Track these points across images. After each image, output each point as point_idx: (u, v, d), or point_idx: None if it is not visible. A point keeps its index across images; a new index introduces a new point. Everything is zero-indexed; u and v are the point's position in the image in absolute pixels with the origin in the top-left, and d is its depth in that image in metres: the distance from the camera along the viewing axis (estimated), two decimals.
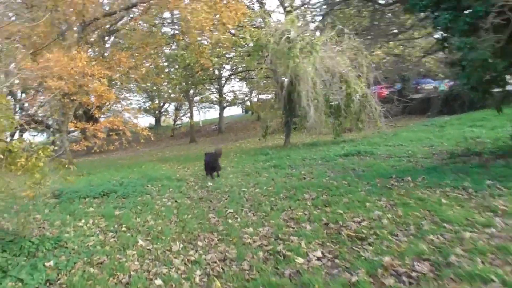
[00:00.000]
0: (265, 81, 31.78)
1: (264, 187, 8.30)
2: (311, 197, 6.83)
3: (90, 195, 8.42)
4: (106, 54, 14.05)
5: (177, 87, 29.01)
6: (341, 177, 8.36)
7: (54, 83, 11.89)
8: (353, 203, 6.01)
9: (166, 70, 26.54)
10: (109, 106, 13.46)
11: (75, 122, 12.58)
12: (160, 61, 14.99)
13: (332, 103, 15.53)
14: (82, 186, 10.01)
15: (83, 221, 6.52)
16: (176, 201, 7.79)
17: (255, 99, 39.49)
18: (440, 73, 25.20)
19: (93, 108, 12.59)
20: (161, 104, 41.57)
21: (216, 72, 31.51)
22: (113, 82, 20.05)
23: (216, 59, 17.64)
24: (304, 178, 9.07)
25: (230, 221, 5.92)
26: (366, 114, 15.46)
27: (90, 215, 6.90)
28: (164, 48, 27.04)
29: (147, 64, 14.41)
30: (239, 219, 5.97)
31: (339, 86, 14.91)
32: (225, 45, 15.99)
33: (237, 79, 36.13)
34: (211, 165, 10.64)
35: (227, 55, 21.91)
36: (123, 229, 5.87)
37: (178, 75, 23.44)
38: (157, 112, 39.11)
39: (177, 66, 24.68)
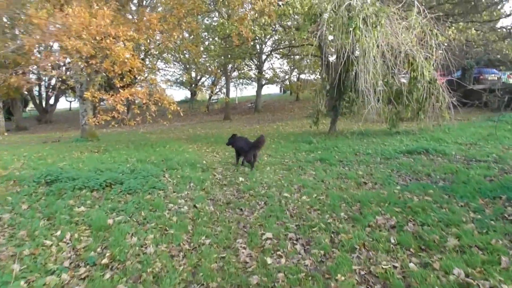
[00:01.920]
0: (309, 60, 29.14)
1: (313, 194, 6.02)
2: (388, 224, 4.51)
3: (89, 186, 6.43)
4: (129, 16, 11.91)
5: (215, 60, 26.86)
6: (419, 188, 5.97)
7: (70, 43, 9.91)
8: (471, 251, 3.64)
9: (206, 43, 24.39)
10: (139, 76, 11.34)
11: (92, 91, 10.62)
12: (198, 28, 12.64)
13: (392, 88, 12.85)
14: (88, 169, 8.09)
15: (58, 234, 4.47)
16: (194, 206, 5.65)
17: (295, 79, 36.79)
18: None
19: (115, 76, 10.55)
20: (198, 78, 39.60)
21: (257, 47, 29.02)
22: (145, 49, 17.96)
23: (258, 29, 15.18)
24: (365, 183, 6.73)
25: (269, 261, 3.70)
26: (431, 103, 12.71)
27: (74, 223, 4.86)
28: (204, 17, 24.90)
29: (182, 30, 12.15)
30: (283, 260, 3.74)
31: (403, 68, 12.20)
32: (270, 15, 13.51)
33: (278, 56, 33.50)
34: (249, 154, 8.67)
35: (271, 27, 19.34)
36: (105, 260, 3.75)
37: (216, 46, 21.18)
38: (193, 85, 37.11)
39: (216, 38, 22.48)
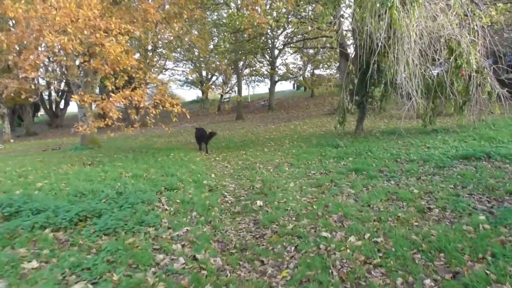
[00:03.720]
0: (325, 53, 27.13)
1: (363, 232, 4.11)
2: None
3: (55, 222, 4.64)
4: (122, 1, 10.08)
5: (225, 57, 25.01)
6: None
7: (51, 38, 8.18)
8: None
9: (215, 39, 22.55)
10: (136, 75, 9.56)
11: (81, 94, 8.89)
12: (204, 17, 10.70)
13: (431, 79, 10.82)
14: (67, 191, 6.35)
15: None
16: (194, 258, 3.80)
17: (308, 74, 34.65)
18: None
19: (106, 76, 8.82)
20: (209, 76, 37.75)
21: (269, 42, 27.04)
22: (152, 47, 16.12)
23: (270, 18, 13.25)
24: (429, 209, 4.80)
25: None
26: (476, 96, 10.63)
27: None
28: (212, 12, 23.03)
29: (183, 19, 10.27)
30: None
31: (443, 55, 10.17)
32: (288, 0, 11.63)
33: (291, 51, 31.46)
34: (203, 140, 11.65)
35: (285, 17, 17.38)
36: None
37: (225, 42, 19.32)
38: (203, 84, 35.26)
39: (225, 33, 20.62)
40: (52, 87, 33.64)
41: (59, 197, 5.97)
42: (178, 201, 5.69)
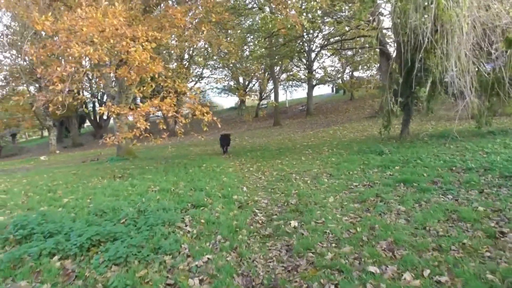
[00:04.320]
0: (365, 54, 25.90)
1: (421, 268, 3.28)
2: None
3: (65, 248, 4.15)
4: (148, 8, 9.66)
5: (260, 62, 24.43)
6: None
7: (78, 49, 7.90)
8: None
9: (250, 45, 22.00)
10: (165, 84, 9.17)
11: (109, 104, 8.57)
12: (232, 19, 10.06)
13: (487, 75, 9.62)
14: (88, 210, 5.92)
15: None
16: None
17: (347, 77, 33.36)
18: None
19: (133, 84, 8.46)
20: (246, 83, 37.36)
21: (305, 45, 26.22)
22: (190, 55, 15.75)
23: (305, 19, 12.49)
24: (502, 234, 3.87)
25: None
26: None
27: None
28: (246, 19, 22.57)
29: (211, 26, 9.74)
30: None
31: (500, 48, 8.97)
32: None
33: (328, 54, 30.41)
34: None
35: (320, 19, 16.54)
36: None
37: (260, 46, 18.75)
38: (242, 91, 34.93)
39: (259, 39, 20.06)
40: (95, 99, 34.73)
41: (78, 216, 5.53)
42: (202, 221, 5.06)
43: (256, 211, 5.59)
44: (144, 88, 8.71)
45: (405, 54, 10.13)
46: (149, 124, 8.51)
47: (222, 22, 10.13)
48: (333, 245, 4.04)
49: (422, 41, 8.64)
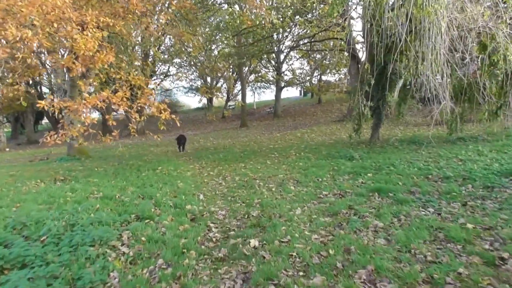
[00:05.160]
0: (332, 58, 25.51)
1: None
2: None
3: None
4: None
5: (230, 63, 23.51)
6: None
7: (12, 32, 6.73)
8: None
9: (218, 43, 21.00)
10: (117, 76, 8.13)
11: (51, 98, 7.44)
12: (194, 8, 9.04)
13: (460, 79, 9.19)
14: (4, 223, 4.82)
15: None
16: None
17: (316, 80, 32.98)
18: None
19: (78, 76, 7.39)
20: (214, 83, 36.32)
21: (274, 45, 25.54)
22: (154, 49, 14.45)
23: (275, 17, 11.76)
24: (502, 260, 3.20)
25: None
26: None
27: None
28: (213, 15, 21.59)
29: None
30: None
31: (474, 52, 8.54)
32: None
33: (297, 56, 29.97)
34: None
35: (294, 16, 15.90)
36: None
37: (227, 44, 17.87)
38: (204, 88, 33.83)
39: (228, 36, 19.19)
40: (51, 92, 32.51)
41: None
42: (143, 238, 4.12)
43: (211, 225, 4.70)
44: (91, 80, 7.63)
45: (377, 56, 9.59)
46: (95, 120, 7.42)
47: (184, 12, 9.12)
48: (301, 273, 3.23)
49: (396, 41, 8.08)
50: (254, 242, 3.96)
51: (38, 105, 7.06)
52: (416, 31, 8.05)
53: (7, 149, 23.28)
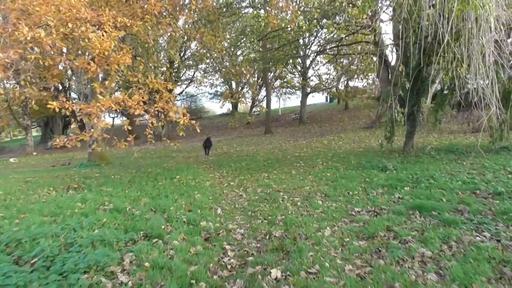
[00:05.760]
0: (362, 63, 24.53)
1: None
2: None
3: None
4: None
5: (255, 68, 22.93)
6: None
7: (24, 32, 6.39)
8: None
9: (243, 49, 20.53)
10: (134, 79, 7.76)
11: (62, 100, 7.02)
12: (215, 7, 8.50)
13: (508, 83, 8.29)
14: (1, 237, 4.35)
15: None
16: None
17: (342, 86, 32.02)
18: None
19: (94, 77, 7.00)
20: (240, 89, 35.97)
21: (300, 50, 24.87)
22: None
23: (302, 20, 11.15)
24: None
25: None
26: None
27: None
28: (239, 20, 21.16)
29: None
30: None
31: None
32: None
33: (324, 62, 29.12)
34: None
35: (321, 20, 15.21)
36: None
37: (252, 48, 17.34)
38: (228, 93, 33.46)
39: (253, 40, 18.66)
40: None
41: None
42: (147, 264, 3.53)
43: (227, 247, 4.07)
44: (107, 82, 7.23)
45: (413, 58, 8.80)
46: (110, 124, 7.00)
47: (206, 13, 8.57)
48: None
49: (435, 42, 7.29)
50: (276, 272, 3.30)
51: (48, 106, 6.66)
52: (458, 30, 7.22)
53: (35, 153, 23.55)
